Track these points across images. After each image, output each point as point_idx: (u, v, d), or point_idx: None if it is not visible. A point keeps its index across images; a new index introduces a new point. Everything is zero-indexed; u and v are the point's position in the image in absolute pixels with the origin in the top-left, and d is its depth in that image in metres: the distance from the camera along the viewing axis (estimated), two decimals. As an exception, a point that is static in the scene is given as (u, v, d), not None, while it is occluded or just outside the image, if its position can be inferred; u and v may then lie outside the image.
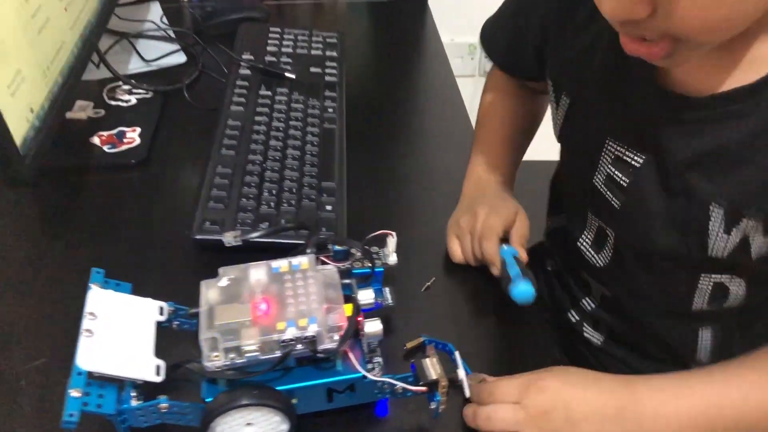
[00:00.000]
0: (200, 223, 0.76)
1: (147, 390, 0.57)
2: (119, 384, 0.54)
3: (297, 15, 1.32)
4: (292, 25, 1.17)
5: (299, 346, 0.55)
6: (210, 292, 0.59)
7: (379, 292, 0.67)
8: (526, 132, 0.94)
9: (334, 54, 1.09)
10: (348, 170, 0.88)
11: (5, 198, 0.85)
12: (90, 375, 0.53)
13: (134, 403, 0.55)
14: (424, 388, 0.57)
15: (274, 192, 0.81)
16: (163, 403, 0.55)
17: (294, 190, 0.82)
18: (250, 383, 0.56)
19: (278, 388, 0.57)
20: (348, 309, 0.58)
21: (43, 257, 0.78)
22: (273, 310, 0.57)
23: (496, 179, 0.84)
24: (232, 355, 0.55)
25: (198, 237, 0.75)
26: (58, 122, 0.79)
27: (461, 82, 1.12)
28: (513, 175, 0.88)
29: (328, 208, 0.80)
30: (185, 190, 0.86)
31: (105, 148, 0.91)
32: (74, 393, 0.51)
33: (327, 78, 1.03)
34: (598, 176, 0.71)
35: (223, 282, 0.59)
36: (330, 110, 0.97)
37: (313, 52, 1.09)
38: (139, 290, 0.62)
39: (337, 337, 0.56)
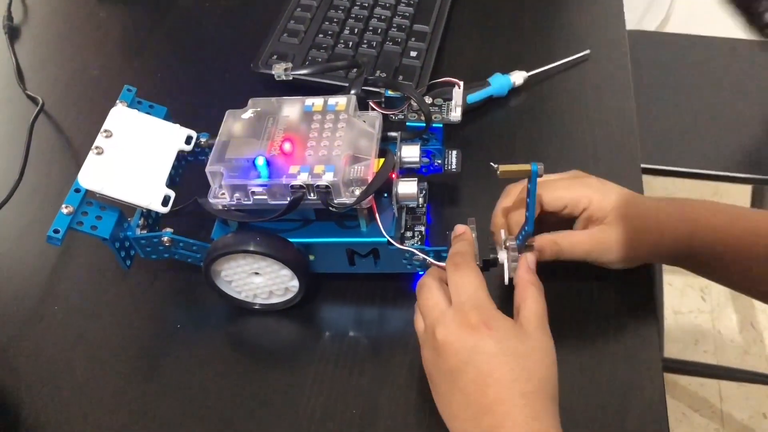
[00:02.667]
0: (267, 57, 0.69)
1: (161, 223, 0.54)
2: (123, 209, 0.50)
3: None
4: None
5: (312, 196, 0.47)
6: (232, 122, 0.52)
7: (439, 153, 0.57)
8: None
9: None
10: (452, 17, 0.76)
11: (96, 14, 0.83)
12: (91, 195, 0.49)
13: (139, 232, 0.51)
14: (452, 266, 0.48)
15: (356, 30, 0.71)
16: (167, 236, 0.51)
17: (380, 31, 0.71)
18: (259, 229, 0.50)
19: (292, 240, 0.50)
20: (380, 164, 0.49)
21: (120, 74, 0.75)
22: (293, 151, 0.49)
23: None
24: (238, 195, 0.48)
25: (259, 71, 0.68)
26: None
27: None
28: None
29: (413, 54, 0.69)
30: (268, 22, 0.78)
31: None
32: (65, 209, 0.47)
33: None
34: None
35: (249, 114, 0.52)
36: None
37: None
38: (177, 118, 0.57)
39: (357, 192, 0.47)
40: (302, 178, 0.47)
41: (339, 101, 0.52)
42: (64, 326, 0.54)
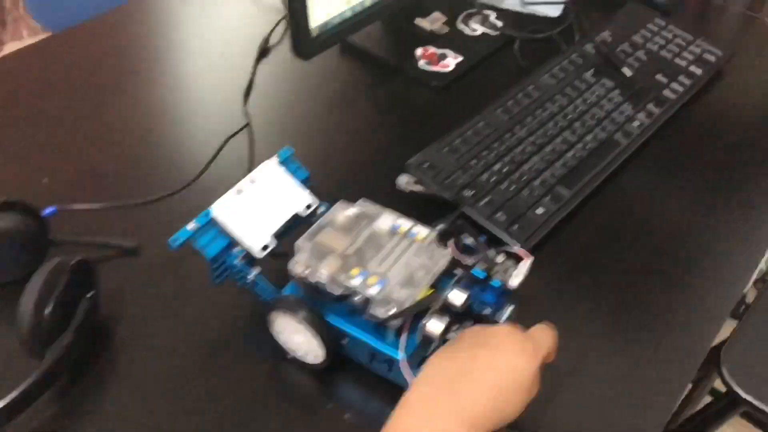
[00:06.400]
0: (419, 161, 0.79)
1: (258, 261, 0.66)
2: (233, 242, 0.63)
3: (712, 18, 1.17)
4: (687, 24, 1.05)
5: (357, 298, 0.57)
6: (337, 212, 0.63)
7: (491, 305, 0.63)
8: None
9: (698, 71, 0.96)
10: (598, 190, 0.81)
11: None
12: (214, 221, 0.63)
13: (236, 262, 0.64)
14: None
15: (504, 170, 0.79)
16: (251, 274, 0.63)
17: (524, 178, 0.79)
18: (312, 302, 0.60)
19: (334, 321, 0.60)
20: (424, 294, 0.57)
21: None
22: (365, 256, 0.59)
23: None
24: (308, 271, 0.59)
25: (407, 171, 0.79)
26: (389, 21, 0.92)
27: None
28: None
29: (539, 211, 0.76)
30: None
31: (421, 62, 0.98)
32: (190, 225, 0.62)
33: (664, 92, 0.93)
34: None
35: (352, 210, 0.63)
36: (636, 123, 0.88)
37: (677, 60, 0.98)
38: (317, 180, 0.69)
39: (393, 310, 0.56)
40: (356, 282, 0.57)
41: (421, 232, 0.61)
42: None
